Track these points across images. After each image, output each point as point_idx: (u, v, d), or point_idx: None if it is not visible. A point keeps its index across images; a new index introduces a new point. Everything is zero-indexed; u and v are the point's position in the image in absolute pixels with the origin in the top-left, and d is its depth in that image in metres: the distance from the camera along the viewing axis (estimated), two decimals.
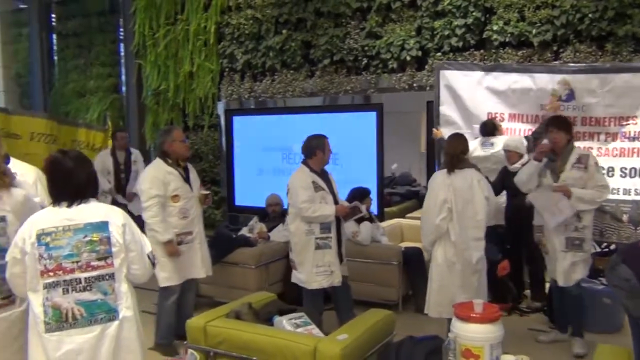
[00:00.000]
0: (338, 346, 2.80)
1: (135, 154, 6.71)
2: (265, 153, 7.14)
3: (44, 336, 2.29)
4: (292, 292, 4.67)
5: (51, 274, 2.31)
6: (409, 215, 6.52)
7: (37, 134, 6.88)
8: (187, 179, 4.31)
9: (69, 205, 2.40)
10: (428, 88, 5.87)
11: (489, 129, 5.02)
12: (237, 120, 7.39)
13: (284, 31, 6.76)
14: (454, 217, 3.90)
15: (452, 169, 3.96)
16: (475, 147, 4.99)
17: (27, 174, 2.99)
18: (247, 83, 7.22)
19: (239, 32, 7.11)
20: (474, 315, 2.76)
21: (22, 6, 9.26)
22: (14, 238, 2.45)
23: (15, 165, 2.98)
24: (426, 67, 5.98)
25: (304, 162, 4.37)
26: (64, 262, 2.32)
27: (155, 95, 7.92)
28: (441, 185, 3.97)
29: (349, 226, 5.03)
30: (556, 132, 4.09)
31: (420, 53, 6.00)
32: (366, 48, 6.29)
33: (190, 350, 3.15)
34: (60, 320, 2.30)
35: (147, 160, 6.65)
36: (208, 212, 7.67)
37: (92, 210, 2.42)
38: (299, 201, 4.18)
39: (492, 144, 4.99)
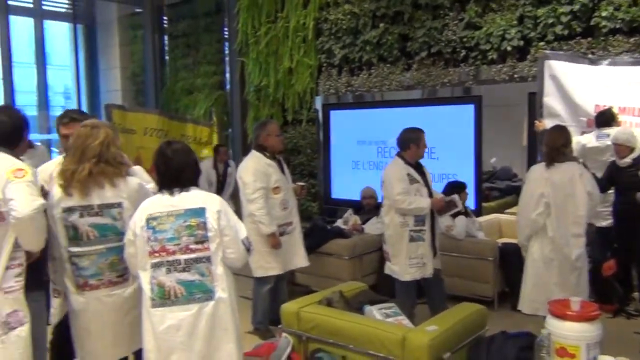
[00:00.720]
0: (427, 337, 2.80)
1: (232, 167, 7.07)
2: (360, 146, 7.20)
3: (151, 311, 2.51)
4: (386, 284, 4.69)
5: (157, 254, 2.52)
6: (508, 210, 6.30)
7: (150, 129, 7.37)
8: (283, 171, 4.46)
9: (172, 193, 2.61)
10: (530, 79, 5.64)
11: (605, 119, 4.72)
12: (334, 114, 7.51)
13: (381, 25, 6.76)
14: (552, 212, 3.75)
15: (551, 163, 3.81)
16: (589, 139, 4.75)
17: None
18: (344, 77, 7.31)
19: (337, 28, 7.20)
20: (571, 313, 2.67)
21: (137, 10, 9.94)
22: (129, 223, 2.69)
23: None
24: (528, 57, 5.75)
25: (399, 155, 4.38)
26: (167, 244, 2.52)
27: (256, 91, 8.21)
28: (538, 179, 3.83)
29: (444, 220, 4.97)
30: None
31: (522, 43, 5.77)
32: (465, 39, 6.15)
33: (284, 334, 3.28)
34: (163, 297, 2.50)
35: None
36: (305, 204, 7.87)
37: (192, 198, 2.60)
38: (394, 193, 4.20)
39: (608, 136, 4.68)
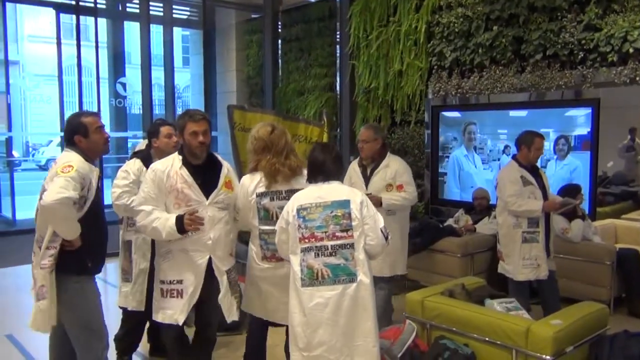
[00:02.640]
0: (551, 329, 2.96)
1: None
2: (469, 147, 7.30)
3: (300, 289, 2.86)
4: (496, 284, 4.81)
5: (306, 240, 2.87)
6: (624, 216, 6.17)
7: None
8: None
9: (316, 183, 2.97)
10: None
11: None
12: (443, 116, 7.65)
13: (495, 27, 6.82)
14: None
15: None
16: None
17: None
18: (454, 80, 7.41)
19: (449, 31, 7.32)
20: None
21: (254, 16, 10.55)
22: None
23: None
24: None
25: (514, 157, 4.51)
26: (316, 231, 2.86)
27: (366, 93, 8.49)
28: None
29: (559, 222, 5.00)
30: None
31: None
32: (583, 41, 6.08)
33: (408, 321, 3.54)
34: (312, 278, 2.84)
35: None
36: None
37: (338, 191, 2.94)
38: (506, 195, 4.34)
39: None
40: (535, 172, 4.48)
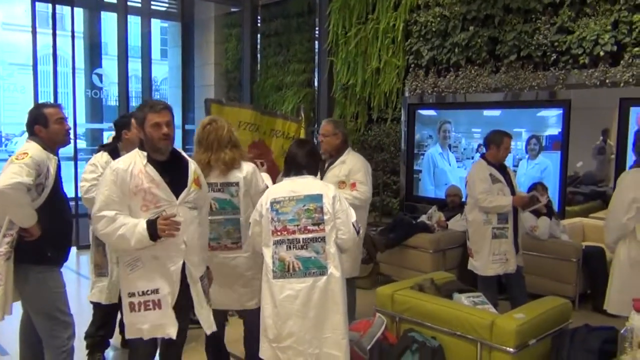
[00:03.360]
0: (515, 323, 3.05)
1: None
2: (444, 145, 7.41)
3: (272, 281, 2.91)
4: (467, 280, 4.92)
5: (279, 233, 2.91)
6: (592, 215, 6.33)
7: (244, 122, 7.82)
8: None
9: (289, 177, 3.02)
10: (622, 84, 5.67)
11: None
12: (419, 114, 7.75)
13: (471, 28, 6.93)
14: None
15: None
16: None
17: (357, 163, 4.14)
18: (431, 78, 7.52)
19: (426, 30, 7.42)
20: None
21: (233, 9, 10.52)
22: (241, 202, 3.26)
23: None
24: (622, 62, 5.76)
25: (483, 156, 4.62)
26: (288, 225, 2.91)
27: (344, 89, 8.56)
28: (631, 184, 3.93)
29: (528, 220, 5.13)
30: None
31: (615, 48, 5.79)
32: (556, 43, 6.22)
33: (378, 314, 3.61)
34: (283, 270, 2.89)
35: None
36: (386, 200, 8.17)
37: (311, 185, 2.99)
38: (477, 192, 4.45)
39: None
40: (503, 170, 4.59)
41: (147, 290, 2.80)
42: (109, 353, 4.20)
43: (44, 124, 3.12)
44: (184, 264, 2.83)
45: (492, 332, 3.08)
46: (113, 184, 2.74)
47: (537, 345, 3.13)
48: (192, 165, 2.95)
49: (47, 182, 3.00)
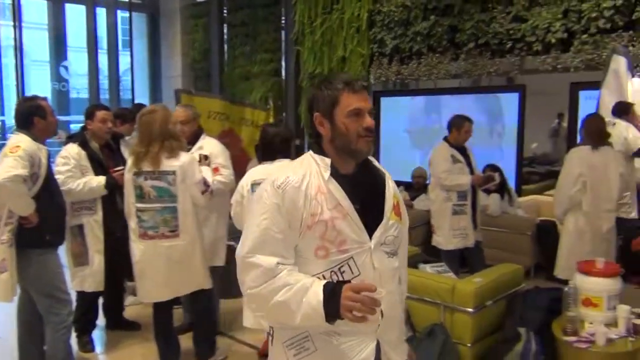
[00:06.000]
0: (473, 286, 3.36)
1: None
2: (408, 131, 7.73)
3: None
4: (431, 256, 5.23)
5: None
6: (547, 192, 6.75)
7: (213, 112, 7.96)
8: None
9: (264, 162, 3.24)
10: (572, 70, 6.04)
11: (618, 109, 5.04)
12: (384, 101, 8.04)
13: (432, 17, 7.21)
14: (588, 190, 4.22)
15: (596, 146, 4.26)
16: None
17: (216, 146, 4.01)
18: (394, 66, 7.78)
19: (389, 19, 7.67)
20: (595, 270, 3.18)
21: (199, 0, 10.58)
22: (178, 189, 3.36)
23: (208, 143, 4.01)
24: (571, 49, 6.12)
25: (445, 138, 4.93)
26: None
27: (310, 78, 8.74)
28: (577, 160, 4.29)
29: (483, 199, 5.49)
30: None
31: (565, 35, 6.14)
32: (511, 31, 6.54)
33: None
34: None
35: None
36: None
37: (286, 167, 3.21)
38: (438, 171, 4.78)
39: (613, 125, 4.93)
40: (463, 152, 4.91)
41: None
42: (96, 333, 4.39)
43: (43, 116, 3.28)
44: (378, 345, 1.75)
45: (453, 295, 3.38)
46: (277, 210, 1.67)
47: (494, 306, 3.46)
48: (390, 182, 1.85)
49: (40, 171, 3.18)
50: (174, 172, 3.37)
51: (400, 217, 1.83)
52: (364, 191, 1.74)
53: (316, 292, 1.59)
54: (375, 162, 1.85)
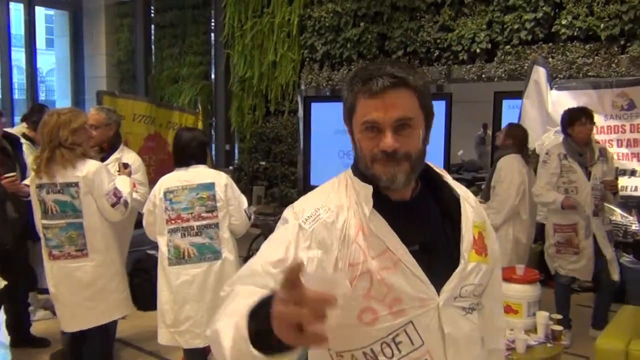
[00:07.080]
0: None
1: None
2: (338, 137, 7.70)
3: (167, 268, 2.97)
4: None
5: (173, 222, 2.98)
6: None
7: (138, 115, 7.69)
8: None
9: (179, 168, 3.08)
10: (496, 79, 6.20)
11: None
12: (315, 107, 7.99)
13: (362, 24, 7.24)
14: (526, 198, 4.30)
15: (525, 156, 4.35)
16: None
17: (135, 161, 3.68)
18: (325, 72, 7.77)
19: (320, 25, 7.65)
20: (516, 277, 3.21)
21: None
22: (83, 203, 3.01)
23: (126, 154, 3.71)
24: (495, 59, 6.30)
25: None
26: (182, 213, 2.98)
27: (241, 82, 8.62)
28: (517, 170, 4.33)
29: None
30: (589, 124, 4.08)
31: (489, 46, 6.31)
32: (438, 41, 6.67)
33: None
34: (179, 257, 2.97)
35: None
36: (285, 190, 8.35)
37: (203, 174, 3.07)
38: None
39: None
40: None
41: None
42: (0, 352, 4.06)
43: None
44: None
45: None
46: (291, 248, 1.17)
47: None
48: (468, 206, 1.29)
49: None
50: (76, 184, 3.00)
51: (485, 255, 1.26)
52: (427, 224, 1.25)
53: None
54: (449, 178, 1.34)
